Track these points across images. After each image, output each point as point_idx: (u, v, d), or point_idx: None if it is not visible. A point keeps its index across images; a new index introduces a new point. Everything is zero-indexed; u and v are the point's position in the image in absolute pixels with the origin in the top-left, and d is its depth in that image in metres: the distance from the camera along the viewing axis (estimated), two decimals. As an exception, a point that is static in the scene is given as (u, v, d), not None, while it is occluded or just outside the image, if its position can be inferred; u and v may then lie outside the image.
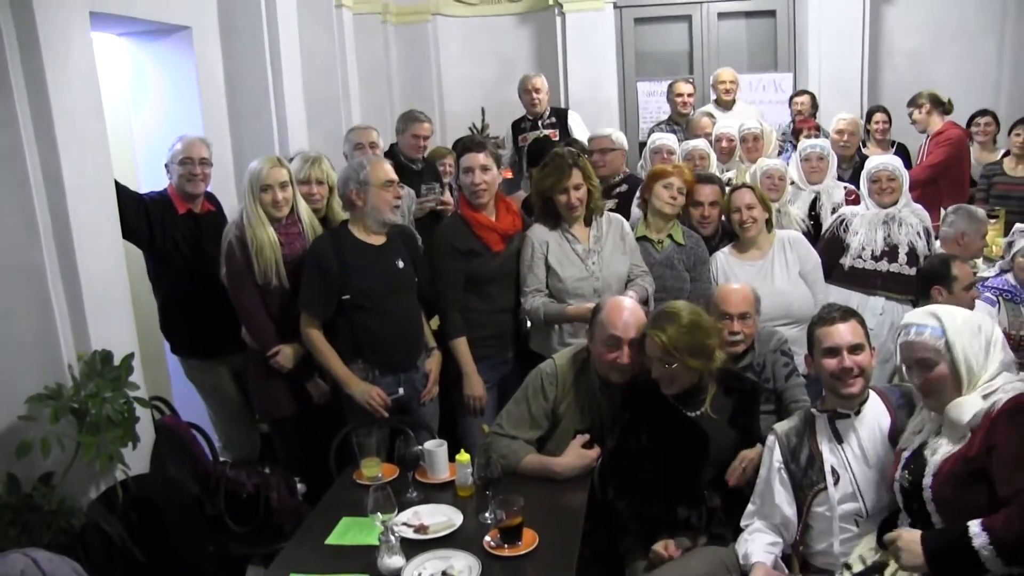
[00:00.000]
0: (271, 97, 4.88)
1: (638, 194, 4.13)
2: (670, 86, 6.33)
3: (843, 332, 2.61)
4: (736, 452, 2.80)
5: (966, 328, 2.29)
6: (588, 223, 3.72)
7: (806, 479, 2.59)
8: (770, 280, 3.84)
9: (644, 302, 3.53)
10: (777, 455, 2.65)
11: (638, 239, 3.85)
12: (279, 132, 4.92)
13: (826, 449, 2.60)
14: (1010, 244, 4.05)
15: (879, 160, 4.27)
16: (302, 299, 3.39)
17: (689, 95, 6.20)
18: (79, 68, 3.10)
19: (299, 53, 5.19)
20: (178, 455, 3.34)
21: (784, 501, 2.62)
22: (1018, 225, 4.20)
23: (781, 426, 2.72)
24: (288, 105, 4.99)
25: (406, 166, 4.93)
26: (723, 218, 4.17)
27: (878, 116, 6.38)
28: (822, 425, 2.63)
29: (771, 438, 2.70)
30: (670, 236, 3.90)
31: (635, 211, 4.19)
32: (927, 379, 2.30)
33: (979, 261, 4.94)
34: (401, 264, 3.47)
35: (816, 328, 2.68)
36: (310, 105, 5.40)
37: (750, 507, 2.72)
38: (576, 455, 2.92)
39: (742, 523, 2.70)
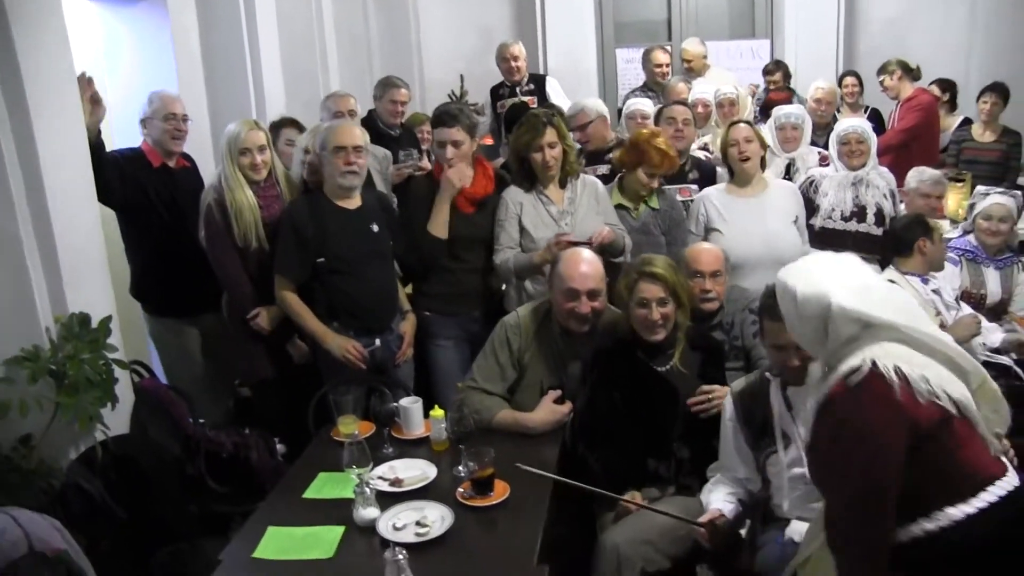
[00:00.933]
0: (248, 66, 4.88)
1: (617, 161, 4.10)
2: (646, 55, 6.35)
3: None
4: None
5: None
6: (563, 185, 3.77)
7: (761, 441, 2.64)
8: (763, 219, 3.90)
9: (620, 251, 3.59)
10: (730, 413, 2.71)
11: (614, 207, 3.90)
12: (256, 102, 4.93)
13: (777, 414, 2.63)
14: (972, 206, 4.13)
15: (849, 123, 4.33)
16: (278, 262, 3.43)
17: (666, 65, 6.22)
18: (49, 33, 3.09)
19: (276, 22, 5.19)
20: (158, 417, 3.37)
21: (740, 459, 2.70)
22: (979, 188, 4.29)
23: (737, 384, 2.77)
24: (266, 74, 5.00)
25: (384, 132, 4.97)
26: (702, 155, 4.27)
27: (848, 80, 6.46)
28: (775, 390, 2.66)
29: (728, 397, 2.76)
30: (645, 202, 3.95)
31: None
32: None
33: (945, 223, 5.02)
34: (376, 228, 3.51)
35: (765, 319, 2.59)
36: (288, 75, 5.39)
37: (716, 462, 2.80)
38: (548, 411, 2.99)
39: (708, 473, 2.78)
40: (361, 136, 3.49)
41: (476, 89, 6.87)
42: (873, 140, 4.28)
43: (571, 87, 7.10)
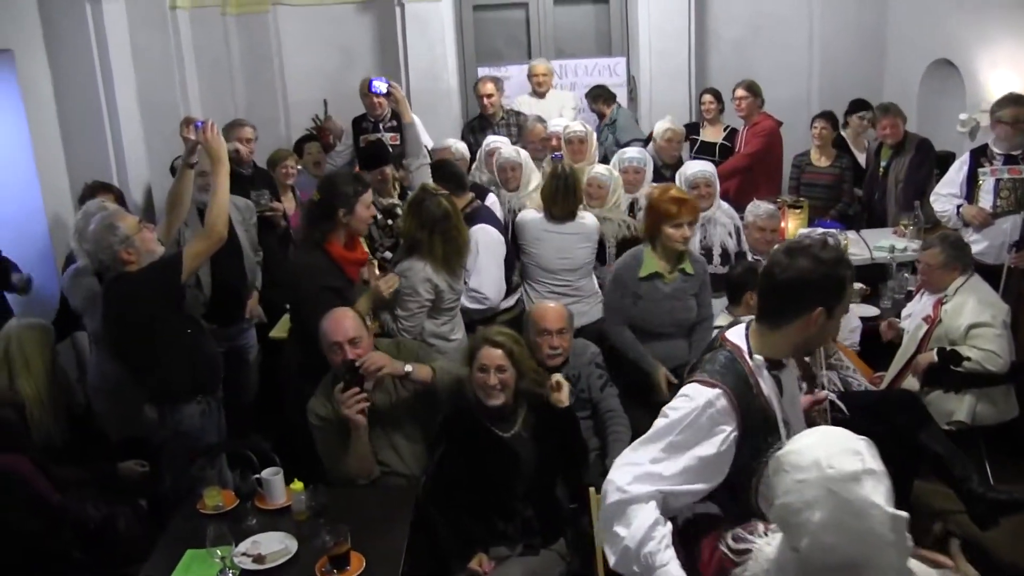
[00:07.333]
0: (103, 110, 4.88)
1: (643, 231, 4.06)
2: (476, 85, 6.51)
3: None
4: (545, 467, 3.13)
5: None
6: None
7: (764, 442, 2.09)
8: None
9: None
10: (726, 419, 2.06)
11: (647, 277, 3.87)
12: (114, 146, 4.92)
13: (775, 400, 2.14)
14: None
15: (697, 167, 4.64)
16: None
17: (488, 96, 6.28)
18: None
19: (131, 61, 5.17)
20: (11, 495, 3.33)
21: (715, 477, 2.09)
22: (803, 233, 4.66)
23: (722, 374, 2.09)
24: (122, 116, 5.01)
25: (237, 172, 5.01)
26: None
27: (705, 97, 6.72)
28: (763, 374, 2.14)
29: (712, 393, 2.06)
30: (680, 268, 3.93)
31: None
32: None
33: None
34: None
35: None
36: (147, 110, 5.39)
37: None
38: None
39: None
40: None
41: (339, 112, 6.93)
42: (717, 181, 4.61)
43: (432, 105, 7.27)
